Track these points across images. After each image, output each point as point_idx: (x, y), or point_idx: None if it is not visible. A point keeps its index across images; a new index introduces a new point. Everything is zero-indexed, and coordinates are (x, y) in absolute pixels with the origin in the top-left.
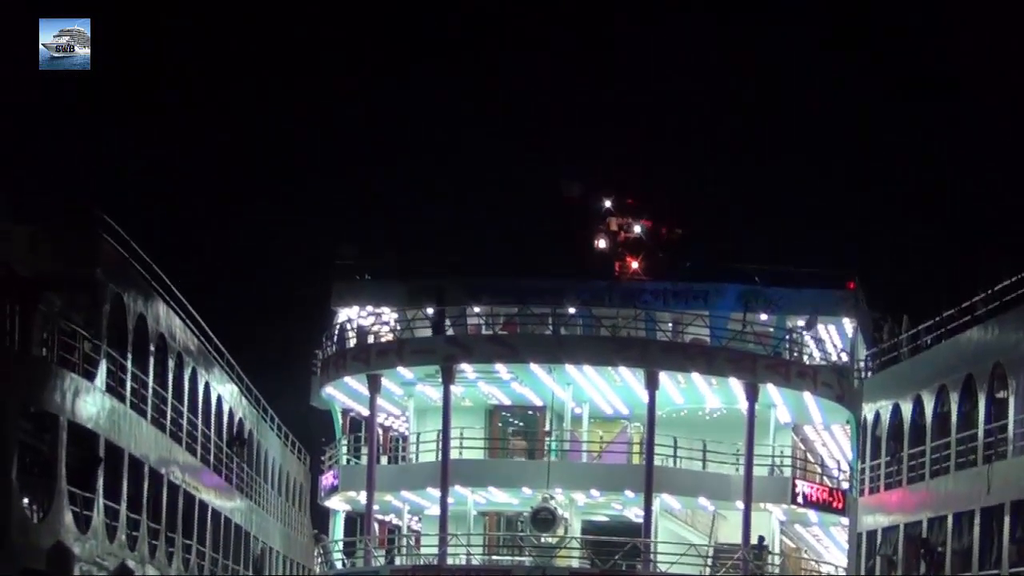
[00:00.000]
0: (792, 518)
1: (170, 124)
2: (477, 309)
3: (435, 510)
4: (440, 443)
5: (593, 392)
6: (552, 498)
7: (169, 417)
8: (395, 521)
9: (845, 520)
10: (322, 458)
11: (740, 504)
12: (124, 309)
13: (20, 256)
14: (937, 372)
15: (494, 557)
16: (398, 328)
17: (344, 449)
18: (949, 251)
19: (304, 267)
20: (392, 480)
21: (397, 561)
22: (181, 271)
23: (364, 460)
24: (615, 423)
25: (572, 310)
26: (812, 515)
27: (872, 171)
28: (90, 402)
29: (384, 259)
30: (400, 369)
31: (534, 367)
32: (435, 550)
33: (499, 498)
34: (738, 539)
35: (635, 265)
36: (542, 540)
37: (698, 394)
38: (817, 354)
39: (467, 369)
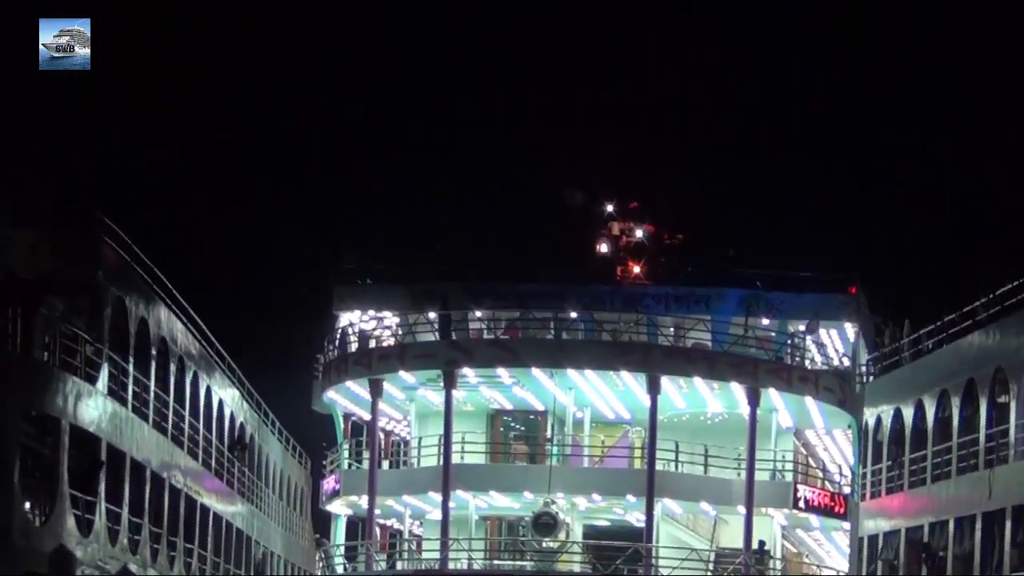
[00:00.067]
0: (793, 523)
1: (170, 124)
2: (479, 313)
3: (437, 514)
4: (442, 447)
5: (595, 396)
6: (553, 502)
7: (171, 421)
8: (396, 525)
9: (846, 525)
10: (323, 462)
11: (742, 508)
12: (126, 313)
13: (21, 259)
14: (938, 376)
15: (495, 562)
16: (400, 332)
17: (346, 453)
18: (949, 251)
19: (304, 268)
20: (394, 484)
21: (399, 565)
22: (181, 272)
23: (365, 464)
24: (617, 427)
25: (574, 314)
26: (813, 519)
27: (872, 171)
28: (92, 406)
29: (385, 263)
30: (402, 373)
31: (536, 371)
32: (436, 555)
33: (501, 502)
34: (739, 544)
35: (637, 269)
36: (543, 545)
37: (700, 398)
38: (819, 359)
39: (469, 373)
